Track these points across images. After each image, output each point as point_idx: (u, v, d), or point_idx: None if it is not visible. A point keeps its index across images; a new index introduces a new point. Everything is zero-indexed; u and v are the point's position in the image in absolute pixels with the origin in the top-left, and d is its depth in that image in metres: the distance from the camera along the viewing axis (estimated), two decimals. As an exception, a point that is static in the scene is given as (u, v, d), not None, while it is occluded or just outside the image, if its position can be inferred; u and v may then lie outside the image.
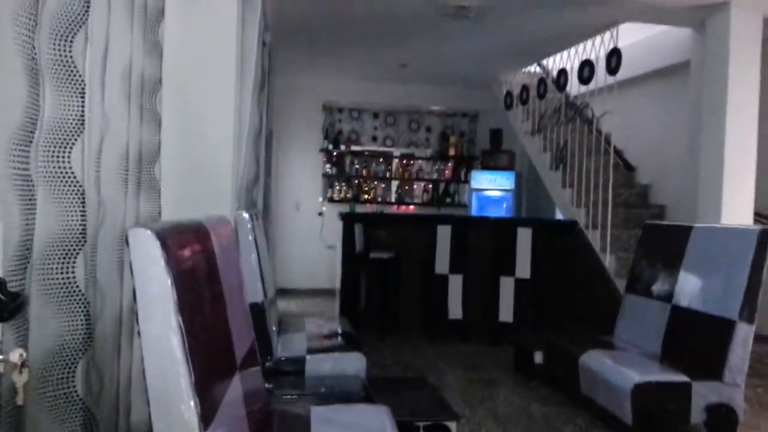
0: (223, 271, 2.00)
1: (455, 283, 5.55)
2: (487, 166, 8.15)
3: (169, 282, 1.47)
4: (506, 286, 5.50)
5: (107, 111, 2.21)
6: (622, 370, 3.35)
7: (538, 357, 4.35)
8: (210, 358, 1.67)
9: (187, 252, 1.66)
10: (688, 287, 3.70)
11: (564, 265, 5.66)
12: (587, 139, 5.90)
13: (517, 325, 5.44)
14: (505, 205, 7.96)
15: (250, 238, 3.41)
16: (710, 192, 4.41)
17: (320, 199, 8.26)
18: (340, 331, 4.00)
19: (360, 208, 8.22)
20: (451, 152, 8.51)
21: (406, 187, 8.54)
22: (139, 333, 1.48)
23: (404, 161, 8.53)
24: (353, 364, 3.45)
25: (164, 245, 1.49)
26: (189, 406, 1.46)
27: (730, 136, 4.19)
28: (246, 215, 3.40)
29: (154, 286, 1.46)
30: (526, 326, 5.44)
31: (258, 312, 3.37)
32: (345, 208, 7.95)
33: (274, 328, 3.73)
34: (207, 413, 1.52)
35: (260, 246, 3.72)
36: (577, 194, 5.60)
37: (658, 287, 3.96)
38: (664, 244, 4.06)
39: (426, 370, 4.56)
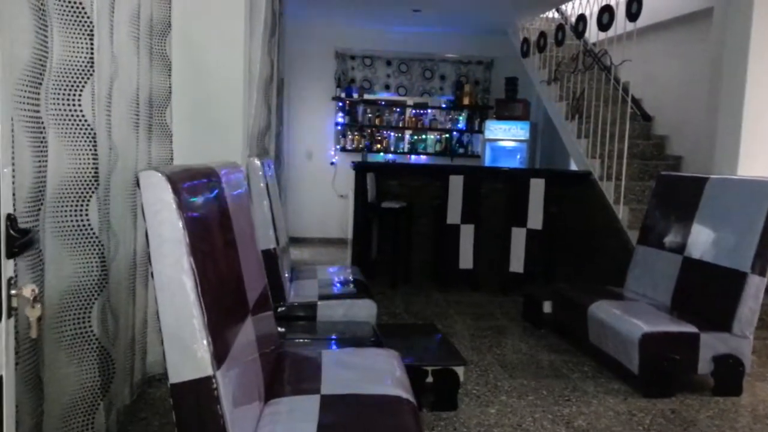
0: (234, 217, 2.01)
1: (467, 233, 5.56)
2: (501, 116, 8.03)
3: (181, 225, 1.48)
4: (518, 237, 5.51)
5: (116, 54, 2.19)
6: (630, 320, 3.38)
7: (547, 306, 4.38)
8: (222, 301, 1.70)
9: (198, 196, 1.67)
10: (701, 239, 3.68)
11: (577, 217, 5.64)
12: (604, 88, 5.78)
13: (528, 275, 5.47)
14: (519, 156, 7.89)
15: (262, 185, 3.41)
16: (728, 143, 4.33)
17: (332, 149, 8.22)
18: (351, 278, 4.05)
19: (372, 158, 8.19)
20: (466, 101, 8.38)
21: (419, 137, 8.47)
22: (152, 275, 1.50)
23: (417, 110, 8.43)
24: (364, 310, 3.50)
25: (175, 189, 1.50)
26: (202, 345, 1.49)
27: (750, 84, 4.07)
28: (258, 162, 3.40)
29: (166, 229, 1.48)
30: (536, 277, 5.48)
31: (270, 258, 3.41)
32: (357, 157, 7.92)
33: (286, 275, 3.78)
34: (219, 353, 1.56)
35: (272, 194, 3.74)
36: (592, 145, 5.52)
37: (670, 239, 3.94)
38: (678, 196, 4.02)
39: (436, 318, 4.62)
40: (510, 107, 7.98)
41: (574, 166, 7.07)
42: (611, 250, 5.12)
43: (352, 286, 3.89)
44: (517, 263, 5.50)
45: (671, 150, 5.81)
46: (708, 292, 3.53)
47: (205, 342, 1.50)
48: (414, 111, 8.41)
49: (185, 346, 1.49)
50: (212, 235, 1.74)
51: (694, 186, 3.86)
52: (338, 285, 3.92)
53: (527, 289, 4.78)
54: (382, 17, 7.53)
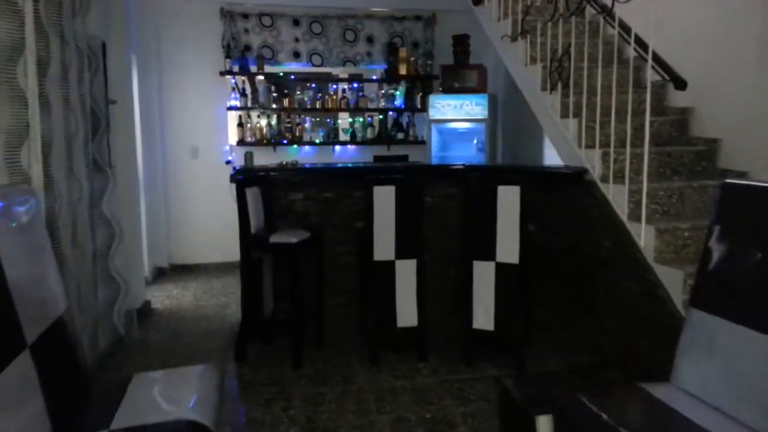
0: None
1: (405, 273, 3.65)
2: (449, 89, 6.08)
3: None
4: (483, 276, 3.61)
5: None
6: None
7: (544, 425, 2.53)
8: None
9: None
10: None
11: (569, 241, 3.78)
12: (601, 42, 3.90)
13: (501, 334, 3.60)
14: (475, 141, 5.97)
15: None
16: None
17: (227, 143, 6.16)
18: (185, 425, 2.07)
19: (284, 152, 6.18)
20: (402, 70, 6.40)
21: (345, 121, 6.46)
22: None
23: (340, 85, 6.41)
24: None
25: None
26: None
27: None
28: None
29: None
30: (512, 336, 3.60)
31: None
32: (265, 153, 5.92)
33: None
34: None
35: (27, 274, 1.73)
36: (588, 128, 3.65)
37: (763, 308, 2.12)
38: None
39: (357, 443, 2.73)
40: (461, 76, 6.04)
41: (548, 153, 5.25)
42: (629, 297, 3.28)
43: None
44: (484, 316, 3.61)
45: (700, 130, 3.98)
46: None
47: None
48: (335, 86, 6.39)
49: None
50: None
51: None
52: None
53: (504, 377, 2.91)
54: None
